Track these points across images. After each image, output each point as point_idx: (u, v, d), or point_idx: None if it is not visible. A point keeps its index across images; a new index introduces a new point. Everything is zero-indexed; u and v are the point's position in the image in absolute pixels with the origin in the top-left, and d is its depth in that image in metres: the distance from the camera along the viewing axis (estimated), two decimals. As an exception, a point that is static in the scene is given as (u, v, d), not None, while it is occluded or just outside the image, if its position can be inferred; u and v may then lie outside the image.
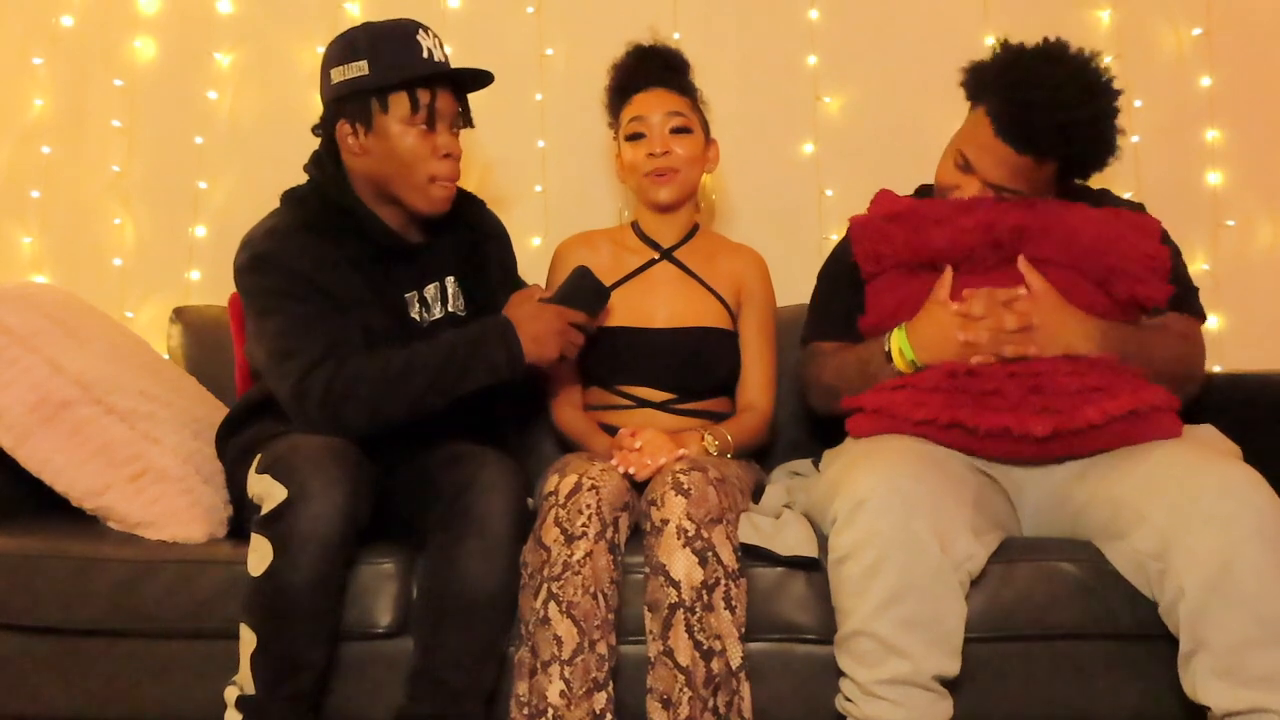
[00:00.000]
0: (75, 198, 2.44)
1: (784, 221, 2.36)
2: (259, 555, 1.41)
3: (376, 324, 1.63)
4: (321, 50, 2.30)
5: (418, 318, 1.71)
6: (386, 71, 1.60)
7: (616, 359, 1.83)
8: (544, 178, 2.39)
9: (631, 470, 1.59)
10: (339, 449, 1.46)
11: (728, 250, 1.94)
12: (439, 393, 1.56)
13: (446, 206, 1.68)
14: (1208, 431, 1.59)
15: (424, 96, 1.61)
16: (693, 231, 1.93)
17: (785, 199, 2.38)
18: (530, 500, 1.63)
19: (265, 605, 1.42)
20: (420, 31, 1.63)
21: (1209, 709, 1.30)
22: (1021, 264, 1.57)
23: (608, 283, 1.77)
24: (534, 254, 2.36)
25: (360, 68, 1.61)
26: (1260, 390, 1.81)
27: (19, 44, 2.43)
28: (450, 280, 1.77)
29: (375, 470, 1.54)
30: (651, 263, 1.90)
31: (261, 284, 1.59)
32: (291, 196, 1.70)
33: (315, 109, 1.73)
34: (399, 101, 1.61)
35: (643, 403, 1.82)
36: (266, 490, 1.42)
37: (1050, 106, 1.51)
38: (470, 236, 1.81)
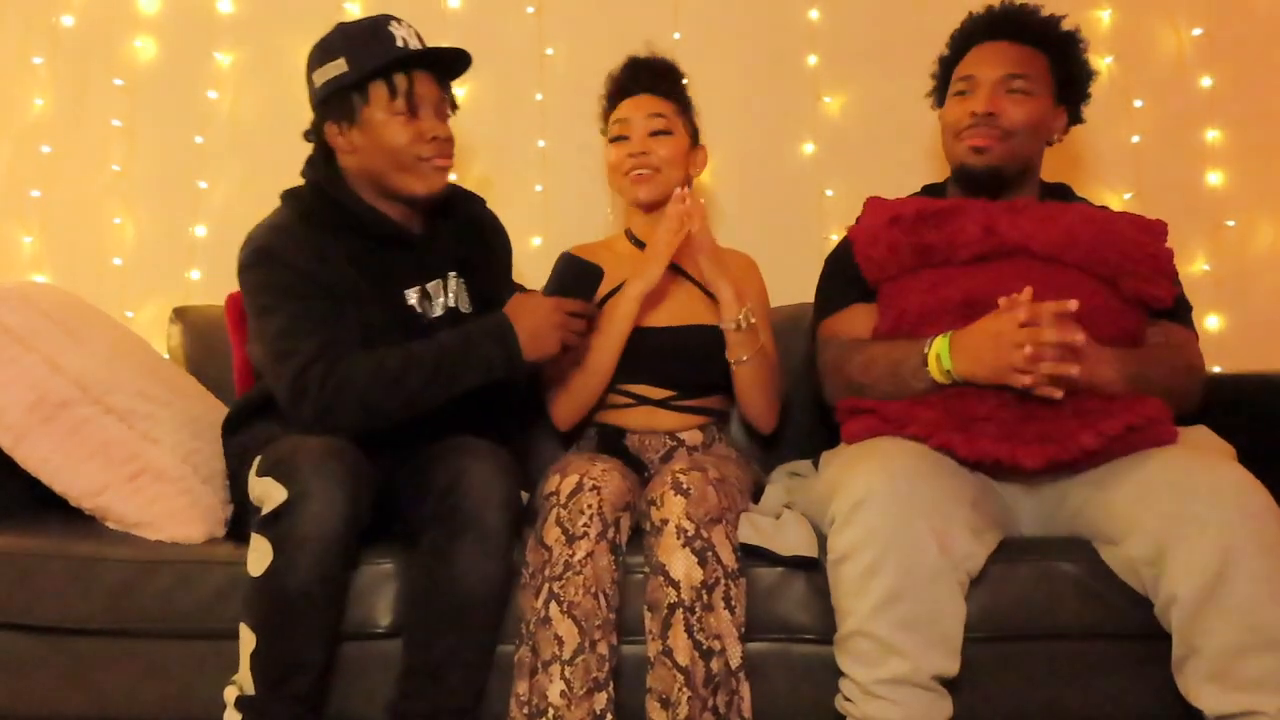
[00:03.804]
0: (75, 197, 2.44)
1: (784, 221, 2.36)
2: (259, 555, 1.41)
3: (376, 319, 1.63)
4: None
5: (421, 312, 1.70)
6: (363, 63, 1.61)
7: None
8: (544, 178, 2.40)
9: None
10: (339, 450, 1.46)
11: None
12: (434, 391, 1.55)
13: (442, 184, 1.69)
14: (1201, 433, 1.58)
15: (401, 82, 1.62)
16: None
17: (785, 199, 2.38)
18: (524, 494, 1.62)
19: (265, 605, 1.42)
20: (393, 22, 1.64)
21: (1202, 712, 1.31)
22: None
23: (607, 289, 1.76)
24: (534, 254, 2.36)
25: (339, 66, 1.62)
26: (1260, 390, 1.81)
27: (19, 44, 2.44)
28: (453, 276, 1.76)
29: (375, 470, 1.54)
30: None
31: (263, 280, 1.60)
32: (291, 194, 1.71)
33: (315, 109, 1.73)
34: (378, 90, 1.62)
35: (642, 400, 1.82)
36: (266, 492, 1.43)
37: (1016, 4, 1.77)
38: (473, 232, 1.82)
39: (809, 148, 2.38)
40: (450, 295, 1.75)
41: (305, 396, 1.51)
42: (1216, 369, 2.22)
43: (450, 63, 1.70)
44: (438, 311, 1.72)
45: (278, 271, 1.58)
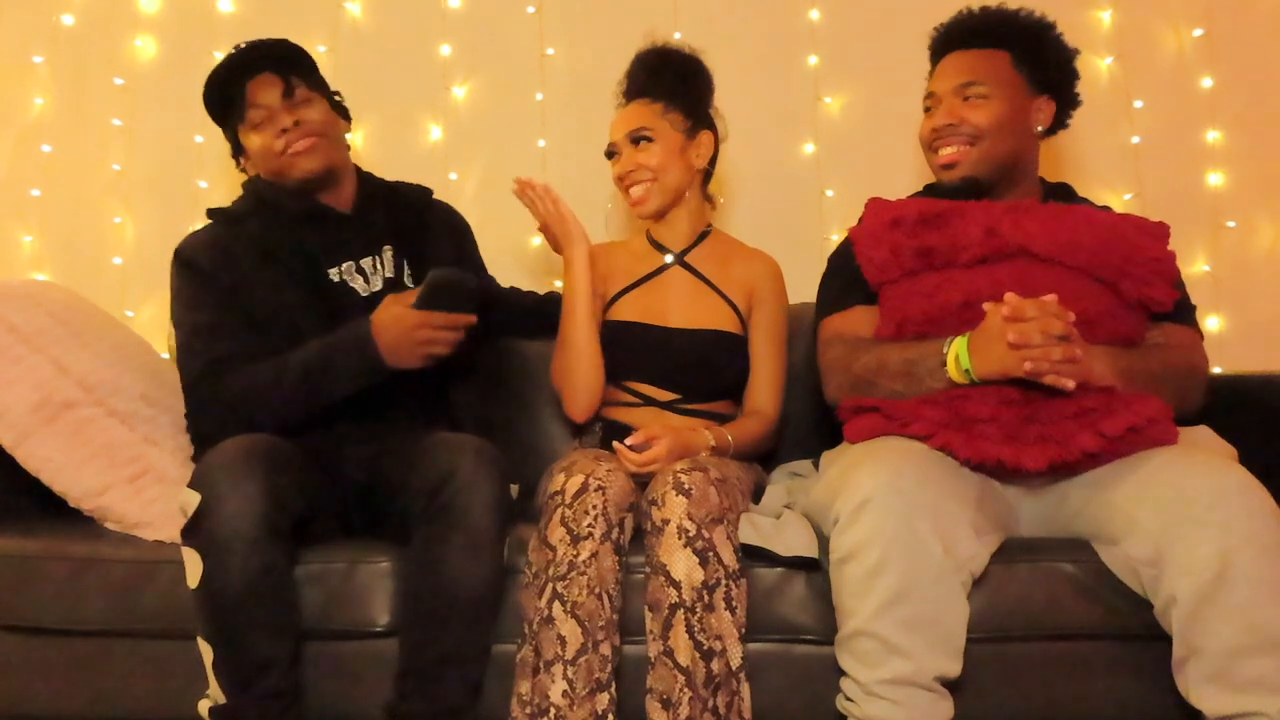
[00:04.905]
0: (76, 196, 2.44)
1: (784, 221, 2.36)
2: (191, 566, 1.42)
3: (296, 299, 1.70)
4: (322, 50, 2.30)
5: (353, 288, 1.76)
6: (209, 103, 1.78)
7: (626, 354, 1.83)
8: (544, 178, 2.38)
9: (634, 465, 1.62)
10: (252, 448, 1.47)
11: (742, 255, 1.94)
12: (307, 400, 1.62)
13: (312, 166, 1.76)
14: (1203, 434, 1.58)
15: (238, 96, 1.75)
16: (704, 234, 1.93)
17: (785, 199, 2.38)
18: (515, 487, 1.62)
19: (210, 614, 1.42)
20: (232, 50, 1.76)
21: (1203, 713, 1.31)
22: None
23: (622, 285, 1.77)
24: (534, 254, 2.36)
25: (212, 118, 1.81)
26: (1260, 391, 1.81)
27: (19, 43, 2.44)
28: (389, 250, 1.82)
29: (347, 465, 1.64)
30: (664, 268, 1.90)
31: (176, 289, 1.72)
32: (217, 208, 1.82)
33: (315, 108, 1.74)
34: (231, 117, 1.78)
35: (648, 401, 1.82)
36: (185, 500, 1.44)
37: (972, 10, 1.78)
38: (410, 214, 1.89)
39: (809, 148, 2.38)
40: (388, 268, 1.80)
41: (200, 411, 1.66)
42: (1216, 369, 2.22)
43: (281, 56, 1.78)
44: (377, 285, 1.78)
45: (187, 279, 1.70)
